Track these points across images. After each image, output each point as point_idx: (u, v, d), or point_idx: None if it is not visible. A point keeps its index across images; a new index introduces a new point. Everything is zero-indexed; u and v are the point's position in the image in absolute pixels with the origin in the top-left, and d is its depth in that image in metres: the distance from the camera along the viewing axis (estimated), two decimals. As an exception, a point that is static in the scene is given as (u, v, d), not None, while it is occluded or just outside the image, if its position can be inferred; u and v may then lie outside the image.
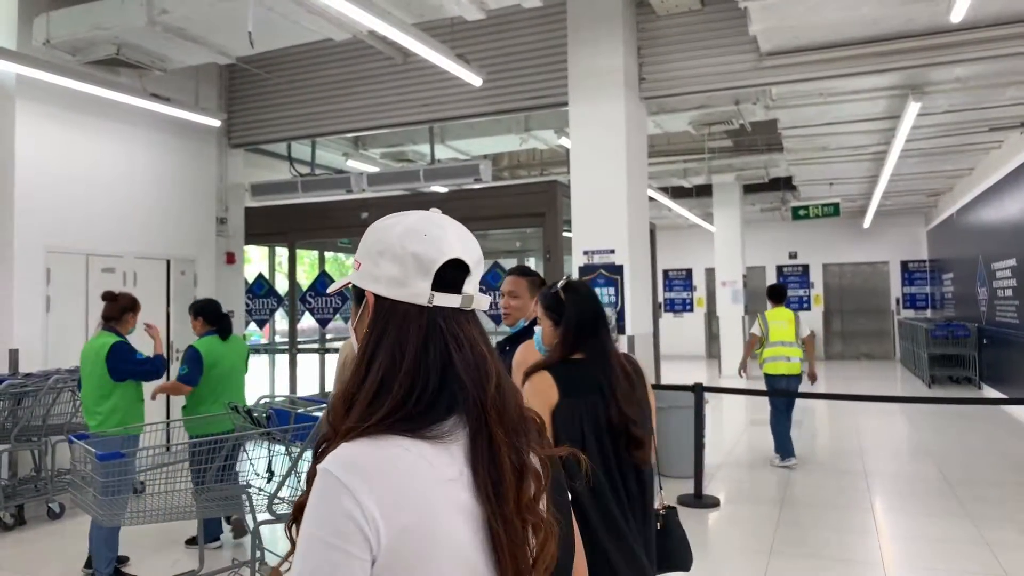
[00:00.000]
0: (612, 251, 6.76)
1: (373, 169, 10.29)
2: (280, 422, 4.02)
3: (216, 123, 7.85)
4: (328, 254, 11.68)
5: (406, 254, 1.10)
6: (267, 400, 4.85)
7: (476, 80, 6.61)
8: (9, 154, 6.68)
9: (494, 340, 3.39)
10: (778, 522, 5.49)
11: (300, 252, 11.58)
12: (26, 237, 6.71)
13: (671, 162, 12.17)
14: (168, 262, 8.13)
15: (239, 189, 9.29)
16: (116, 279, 7.52)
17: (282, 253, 11.13)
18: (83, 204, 7.23)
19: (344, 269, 15.72)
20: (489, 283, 8.57)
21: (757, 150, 12.28)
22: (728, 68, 6.92)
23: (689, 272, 20.37)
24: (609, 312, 6.65)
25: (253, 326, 10.06)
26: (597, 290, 6.72)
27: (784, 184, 14.68)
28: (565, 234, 8.16)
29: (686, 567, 2.43)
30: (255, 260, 14.02)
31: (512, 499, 1.00)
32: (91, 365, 4.63)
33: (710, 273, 18.75)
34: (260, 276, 10.00)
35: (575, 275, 6.95)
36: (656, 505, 2.39)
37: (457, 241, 1.13)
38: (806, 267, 19.43)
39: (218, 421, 4.78)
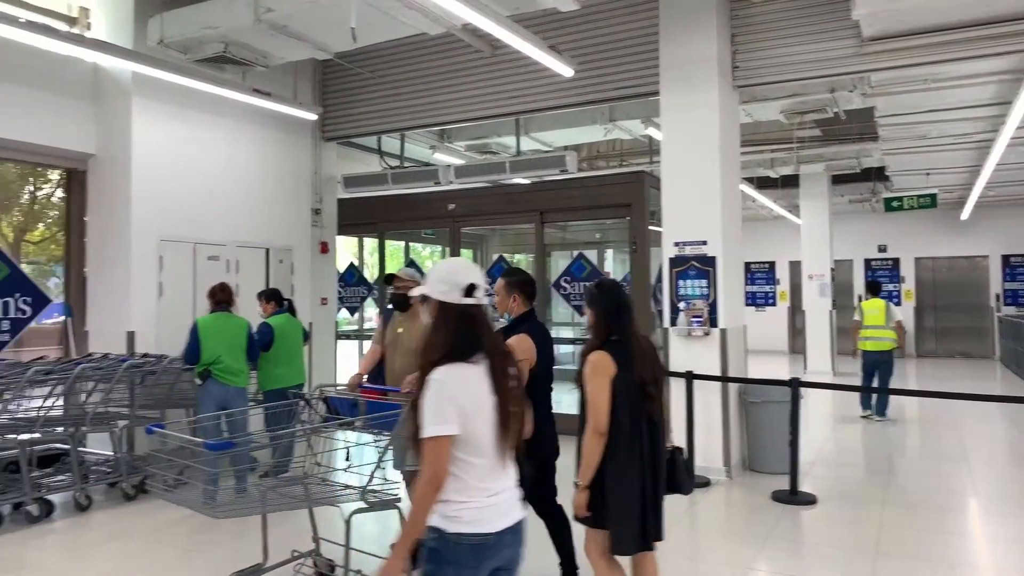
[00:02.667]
0: (704, 243, 6.68)
1: (459, 161, 10.43)
2: (344, 410, 4.15)
3: (313, 117, 8.11)
4: (413, 244, 11.89)
5: (450, 280, 2.28)
6: (326, 388, 4.78)
7: (567, 71, 6.62)
8: (127, 148, 7.10)
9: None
10: (880, 522, 5.33)
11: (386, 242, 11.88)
12: (141, 227, 7.12)
13: (758, 152, 11.89)
14: (267, 251, 8.47)
15: (332, 181, 9.59)
16: (220, 267, 7.89)
17: (368, 243, 11.45)
18: (191, 195, 7.61)
19: (422, 259, 15.94)
20: (575, 274, 8.62)
21: (848, 139, 11.85)
22: (826, 54, 6.70)
23: (772, 265, 19.85)
24: (700, 304, 6.59)
25: (344, 312, 10.38)
26: (688, 282, 6.67)
27: (875, 174, 14.12)
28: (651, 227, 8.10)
29: (685, 491, 3.44)
30: (343, 250, 14.43)
31: (503, 388, 2.22)
32: (236, 337, 6.11)
33: (794, 266, 18.20)
34: (351, 265, 10.31)
35: (665, 267, 6.90)
36: (667, 445, 3.37)
37: (471, 273, 2.32)
38: (896, 261, 18.65)
39: (289, 376, 6.50)
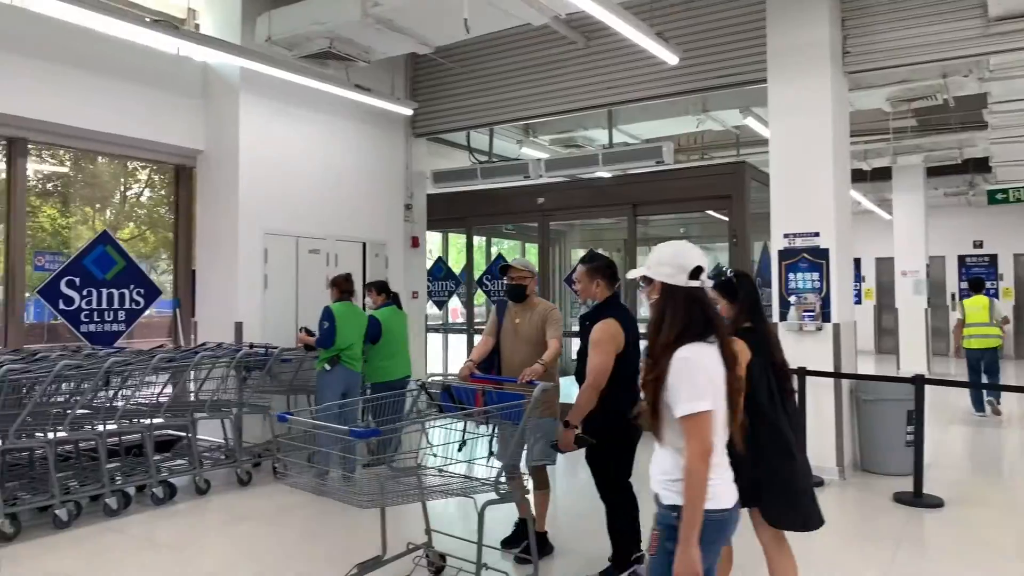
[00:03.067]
0: (816, 234, 6.45)
1: (546, 155, 10.37)
2: (465, 400, 4.06)
3: (409, 111, 8.19)
4: (494, 240, 11.91)
5: (676, 262, 2.28)
6: (436, 378, 4.81)
7: (672, 59, 6.48)
8: (234, 144, 7.30)
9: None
10: (1018, 528, 5.04)
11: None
12: (248, 221, 7.31)
13: (852, 143, 11.44)
14: (364, 245, 8.59)
15: (421, 177, 9.66)
16: (320, 260, 8.04)
17: (451, 239, 11.52)
18: (293, 190, 7.77)
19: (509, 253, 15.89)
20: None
21: (950, 128, 11.32)
22: (946, 36, 6.38)
23: (857, 262, 19.14)
24: (812, 298, 6.37)
25: (432, 307, 10.46)
26: (799, 275, 6.46)
27: (973, 166, 13.45)
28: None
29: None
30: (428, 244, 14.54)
31: (732, 367, 2.27)
32: (362, 327, 6.41)
33: (882, 263, 17.52)
34: (439, 259, 10.39)
35: (773, 259, 6.70)
36: None
37: (697, 255, 2.31)
38: (993, 257, 17.73)
39: (395, 368, 6.60)
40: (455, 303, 10.75)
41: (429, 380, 4.32)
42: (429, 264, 10.47)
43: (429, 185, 9.85)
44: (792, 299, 6.45)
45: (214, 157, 7.51)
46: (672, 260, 2.27)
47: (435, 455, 3.91)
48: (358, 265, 8.52)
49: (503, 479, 3.73)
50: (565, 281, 10.07)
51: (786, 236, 6.60)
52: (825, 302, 6.37)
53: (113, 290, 7.35)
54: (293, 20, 6.71)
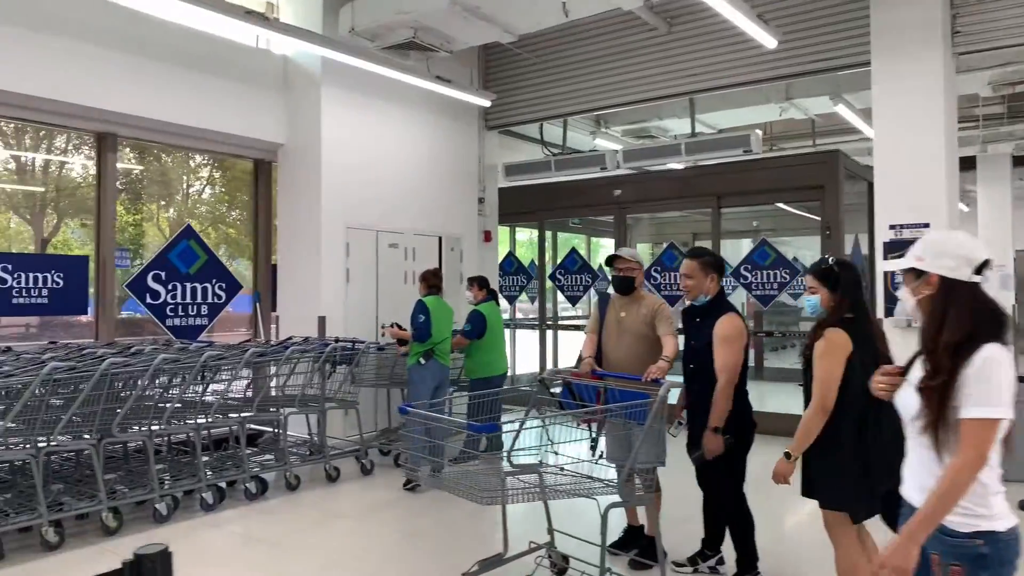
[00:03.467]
0: (926, 225, 6.09)
1: (619, 146, 10.12)
2: (586, 398, 3.89)
3: (487, 103, 8.04)
4: (561, 235, 11.68)
5: (960, 254, 2.00)
6: (556, 372, 4.57)
7: (771, 42, 6.19)
8: (316, 138, 7.24)
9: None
10: None
11: (527, 231, 11.76)
12: (331, 215, 7.26)
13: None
14: (440, 239, 8.48)
15: (493, 170, 9.52)
16: (399, 254, 7.96)
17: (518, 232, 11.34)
18: (373, 184, 7.69)
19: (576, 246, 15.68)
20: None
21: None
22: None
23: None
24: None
25: (504, 302, 10.31)
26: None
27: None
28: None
29: None
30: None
31: None
32: (451, 321, 6.28)
33: (959, 257, 16.68)
34: (510, 254, 10.24)
35: (878, 251, 6.36)
36: None
37: (982, 248, 2.03)
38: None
39: (497, 364, 6.56)
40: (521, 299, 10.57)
41: (548, 375, 4.17)
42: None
43: (500, 178, 9.70)
44: (899, 294, 6.09)
45: (296, 151, 7.48)
46: (956, 251, 2.00)
47: (556, 453, 3.78)
48: (434, 259, 8.42)
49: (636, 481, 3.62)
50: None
51: (892, 227, 6.25)
52: (936, 297, 6.01)
53: (196, 284, 7.38)
54: (377, 10, 6.61)
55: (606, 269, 5.50)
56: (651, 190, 8.93)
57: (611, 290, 4.49)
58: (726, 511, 3.99)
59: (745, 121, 10.20)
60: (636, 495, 3.65)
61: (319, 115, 7.22)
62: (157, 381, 5.31)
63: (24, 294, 6.22)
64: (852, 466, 3.09)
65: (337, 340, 6.57)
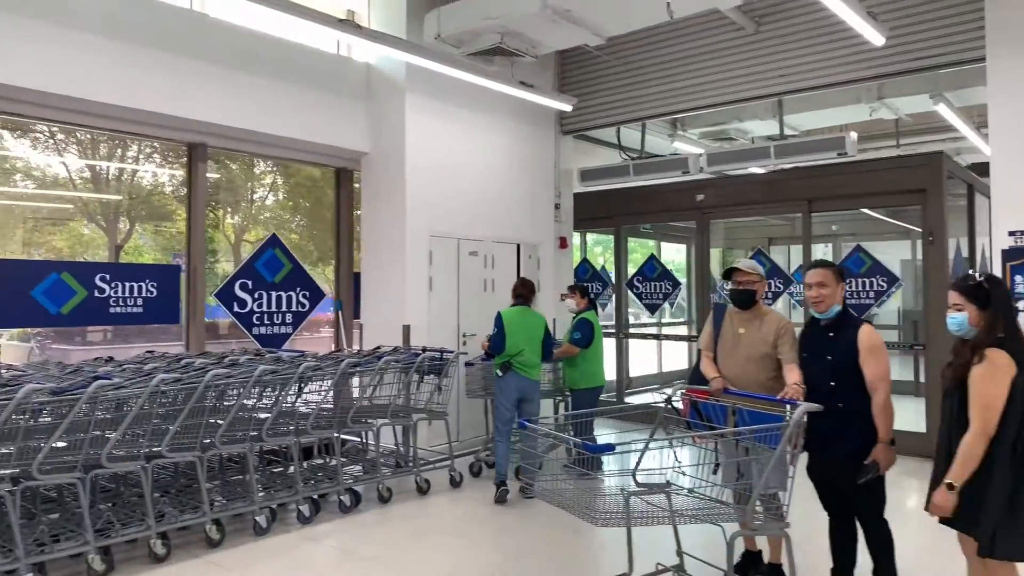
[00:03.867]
0: (1052, 231, 5.71)
1: (699, 150, 9.86)
2: (715, 418, 3.68)
3: (568, 107, 7.88)
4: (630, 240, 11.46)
5: None
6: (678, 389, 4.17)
7: (879, 39, 5.89)
8: (400, 145, 7.20)
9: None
10: None
11: (597, 237, 11.57)
12: (415, 223, 7.19)
13: None
14: (518, 246, 8.36)
15: (568, 176, 9.36)
16: (479, 262, 7.86)
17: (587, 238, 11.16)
18: (453, 191, 7.61)
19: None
20: (851, 269, 7.79)
21: None
22: None
23: None
24: (1046, 302, 5.64)
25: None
26: (1026, 277, 5.75)
27: None
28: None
29: None
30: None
31: None
32: (537, 332, 5.99)
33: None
34: (584, 260, 10.06)
35: (996, 259, 5.99)
36: None
37: None
38: None
39: (600, 375, 6.46)
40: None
41: (674, 394, 3.96)
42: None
43: (575, 184, 9.53)
44: (1022, 304, 5.73)
45: (379, 159, 7.45)
46: None
47: (683, 474, 3.59)
48: (512, 267, 8.30)
49: (759, 508, 3.39)
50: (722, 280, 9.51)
51: (1012, 234, 5.88)
52: (1063, 307, 5.63)
53: (281, 293, 7.41)
54: (464, 16, 6.54)
55: (719, 281, 5.27)
56: (735, 194, 8.64)
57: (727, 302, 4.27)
58: (877, 533, 3.71)
59: (829, 122, 9.84)
60: (765, 523, 3.42)
61: (403, 122, 7.17)
62: (253, 392, 5.30)
63: (121, 303, 6.31)
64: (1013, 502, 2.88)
65: (424, 350, 6.49)
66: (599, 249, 12.25)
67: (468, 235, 7.75)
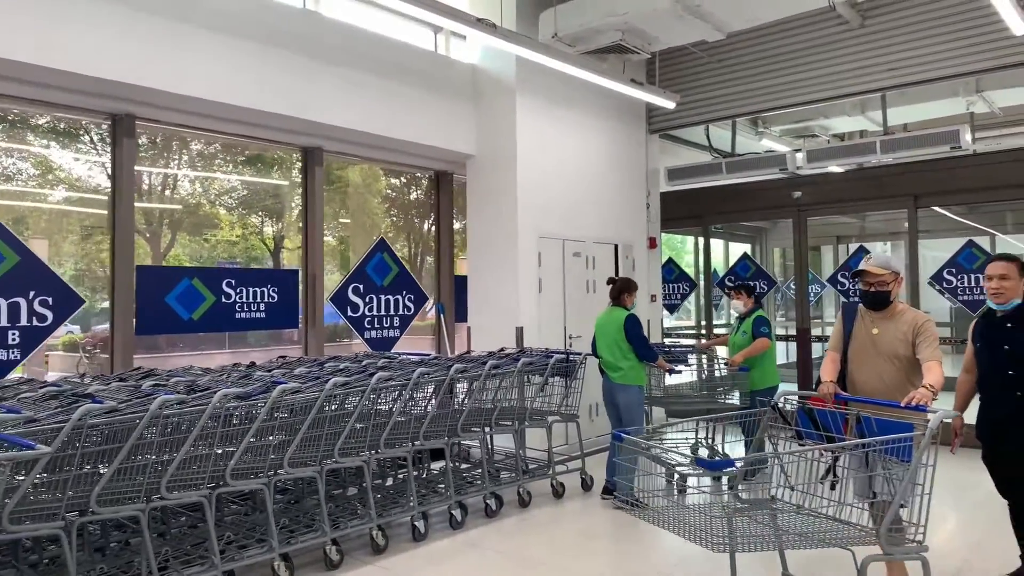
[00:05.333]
0: None
1: (784, 148, 9.75)
2: (831, 427, 3.37)
3: (672, 105, 7.78)
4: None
5: None
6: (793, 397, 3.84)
7: (1021, 27, 5.77)
8: (511, 147, 7.13)
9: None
10: None
11: (675, 237, 11.43)
12: (525, 225, 7.12)
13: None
14: (616, 246, 8.27)
15: (656, 175, 9.27)
16: (581, 262, 7.78)
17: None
18: (558, 192, 7.54)
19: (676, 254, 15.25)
20: (963, 265, 7.65)
21: None
22: None
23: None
24: None
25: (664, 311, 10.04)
26: None
27: None
28: None
29: None
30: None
31: None
32: (614, 332, 5.70)
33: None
34: (670, 260, 9.96)
35: None
36: None
37: None
38: None
39: (776, 375, 6.29)
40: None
41: (784, 399, 3.66)
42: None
43: (663, 183, 9.44)
44: None
45: (487, 160, 7.38)
46: None
47: (793, 488, 3.24)
48: (610, 267, 8.21)
49: (894, 529, 3.00)
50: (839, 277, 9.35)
51: None
52: None
53: (389, 296, 7.36)
54: (585, 13, 6.47)
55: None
56: (834, 191, 8.52)
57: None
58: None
59: (921, 117, 9.70)
60: (903, 546, 3.03)
61: (514, 124, 7.11)
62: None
63: (245, 309, 6.28)
64: None
65: (548, 351, 6.41)
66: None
67: (572, 236, 7.67)
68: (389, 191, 8.27)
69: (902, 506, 3.08)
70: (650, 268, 9.08)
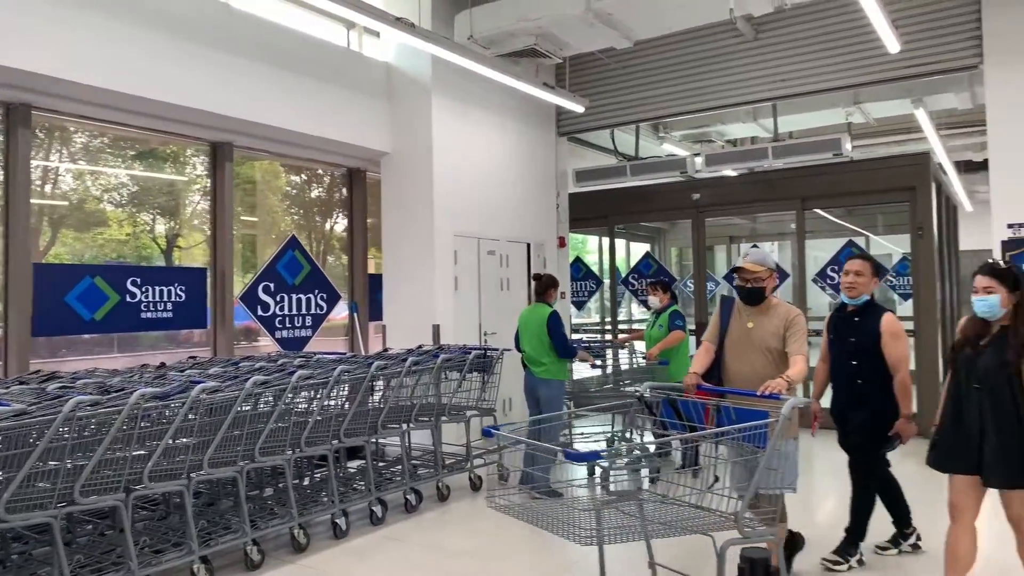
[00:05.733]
0: (1046, 223, 6.31)
1: (684, 152, 10.25)
2: (693, 417, 3.39)
3: (581, 109, 8.04)
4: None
5: None
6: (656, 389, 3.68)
7: (895, 46, 6.34)
8: (427, 146, 7.19)
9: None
10: None
11: (577, 237, 11.79)
12: (441, 223, 7.20)
13: (967, 134, 11.35)
14: (528, 245, 8.48)
15: (565, 176, 9.54)
16: (495, 261, 7.93)
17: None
18: (473, 191, 7.66)
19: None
20: (843, 264, 8.28)
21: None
22: None
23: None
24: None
25: (572, 308, 10.33)
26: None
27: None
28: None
29: None
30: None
31: None
32: (536, 328, 5.81)
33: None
34: (577, 259, 10.26)
35: (996, 249, 6.56)
36: None
37: None
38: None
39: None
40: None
41: (648, 391, 3.58)
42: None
43: (571, 184, 9.72)
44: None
45: (403, 158, 7.40)
46: None
47: (657, 479, 3.33)
48: (524, 266, 8.41)
49: (748, 514, 3.03)
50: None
51: (1010, 226, 6.47)
52: (1059, 292, 6.23)
53: (301, 295, 7.27)
54: (500, 16, 6.62)
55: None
56: (729, 193, 9.06)
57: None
58: (881, 485, 4.29)
59: (806, 126, 10.41)
60: (757, 528, 3.08)
61: (430, 123, 7.17)
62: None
63: (151, 308, 6.05)
64: None
65: (465, 348, 6.52)
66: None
67: (486, 235, 7.81)
68: (290, 188, 8.12)
69: (787, 490, 3.24)
70: (560, 266, 9.35)
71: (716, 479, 3.18)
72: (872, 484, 4.23)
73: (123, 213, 6.45)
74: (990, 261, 3.34)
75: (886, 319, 4.04)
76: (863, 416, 4.07)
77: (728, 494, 3.03)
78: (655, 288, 6.72)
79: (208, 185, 6.68)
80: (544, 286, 6.06)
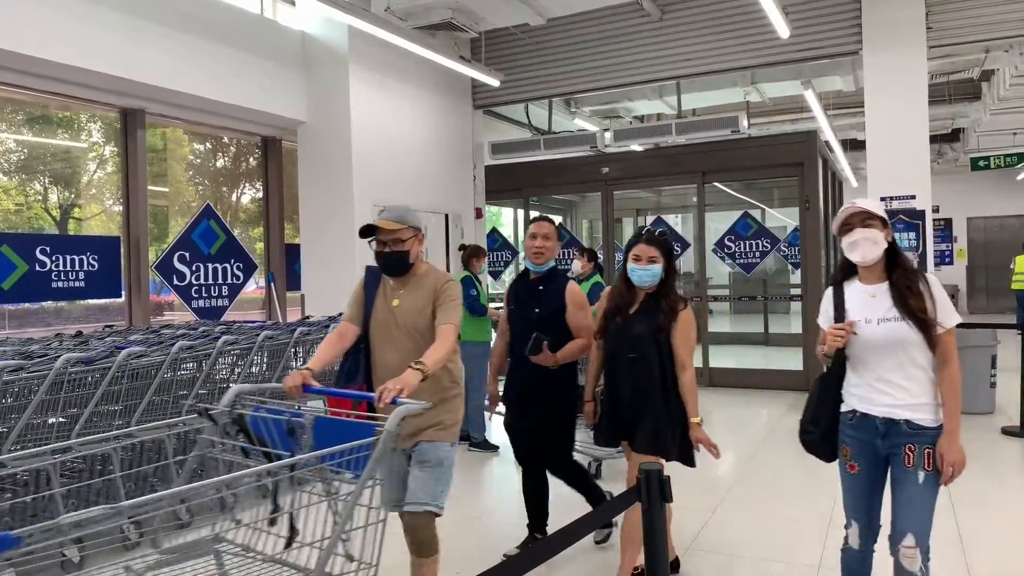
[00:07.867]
0: (913, 196, 7.03)
1: (594, 127, 10.63)
2: (271, 438, 2.42)
3: (496, 83, 8.26)
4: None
5: None
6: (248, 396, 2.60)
7: (785, 31, 6.86)
8: (345, 116, 7.25)
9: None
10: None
11: (491, 208, 12.07)
12: (361, 193, 7.30)
13: (852, 114, 12.26)
14: (447, 216, 8.68)
15: (481, 149, 9.76)
16: (414, 231, 8.08)
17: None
18: (391, 162, 7.78)
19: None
20: (740, 233, 8.92)
21: (943, 101, 12.24)
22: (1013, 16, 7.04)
23: (948, 222, 20.29)
24: (911, 256, 6.95)
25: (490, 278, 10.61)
26: (896, 235, 7.01)
27: (941, 137, 14.60)
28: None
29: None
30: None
31: None
32: None
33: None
34: (493, 230, 10.52)
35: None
36: None
37: None
38: (948, 221, 19.22)
39: None
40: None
41: (237, 399, 2.55)
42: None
43: (487, 157, 9.95)
44: (911, 255, 7.02)
45: (320, 128, 7.44)
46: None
47: (238, 522, 2.39)
48: (442, 236, 8.62)
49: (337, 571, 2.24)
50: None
51: (883, 199, 7.15)
52: (923, 259, 6.98)
53: (217, 264, 7.25)
54: (416, -11, 6.72)
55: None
56: (638, 167, 9.51)
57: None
58: (570, 470, 3.82)
59: (708, 103, 11.00)
60: None
61: (347, 93, 7.23)
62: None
63: (63, 278, 5.94)
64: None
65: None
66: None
67: (405, 204, 7.93)
68: (194, 157, 8.00)
69: (433, 508, 2.69)
70: (477, 237, 9.60)
71: (294, 531, 2.31)
72: (572, 460, 3.80)
73: (12, 182, 6.26)
74: (650, 229, 3.22)
75: (572, 288, 3.62)
76: (551, 392, 3.61)
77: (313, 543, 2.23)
78: (582, 254, 6.49)
79: (106, 153, 6.55)
80: (468, 255, 6.33)
